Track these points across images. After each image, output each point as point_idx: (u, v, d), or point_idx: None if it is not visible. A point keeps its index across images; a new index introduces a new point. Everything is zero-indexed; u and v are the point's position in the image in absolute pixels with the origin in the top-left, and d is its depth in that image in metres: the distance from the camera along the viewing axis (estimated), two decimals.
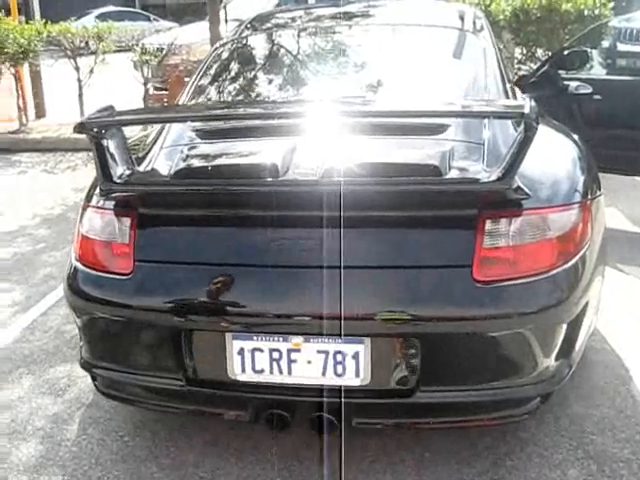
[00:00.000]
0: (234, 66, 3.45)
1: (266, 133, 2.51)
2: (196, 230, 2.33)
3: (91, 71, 8.15)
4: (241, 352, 2.24)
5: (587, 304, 2.34)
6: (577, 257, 2.26)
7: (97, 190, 2.43)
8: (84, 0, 23.35)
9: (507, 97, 2.87)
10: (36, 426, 2.80)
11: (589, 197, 2.45)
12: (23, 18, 9.16)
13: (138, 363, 2.38)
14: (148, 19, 22.94)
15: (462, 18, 3.46)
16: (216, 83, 3.27)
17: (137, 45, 8.95)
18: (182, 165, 2.41)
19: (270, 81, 3.28)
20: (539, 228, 2.20)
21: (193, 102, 3.08)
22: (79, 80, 8.13)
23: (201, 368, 2.31)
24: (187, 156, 2.51)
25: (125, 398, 2.51)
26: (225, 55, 3.49)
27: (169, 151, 2.60)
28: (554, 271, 2.18)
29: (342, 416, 2.21)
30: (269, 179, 2.20)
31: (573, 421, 2.67)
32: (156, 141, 2.73)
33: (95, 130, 2.24)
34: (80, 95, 8.13)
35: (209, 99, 3.19)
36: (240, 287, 2.21)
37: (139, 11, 25.80)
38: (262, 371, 2.24)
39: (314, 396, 2.24)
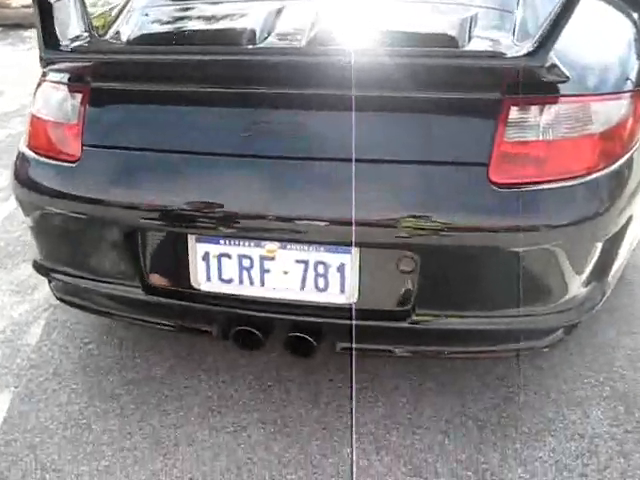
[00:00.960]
0: None
1: None
2: (157, 109, 1.93)
3: None
4: (206, 257, 1.88)
5: (631, 218, 1.90)
6: (623, 159, 1.80)
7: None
8: None
9: None
10: None
11: None
12: None
13: (92, 267, 2.04)
14: None
15: None
16: None
17: None
18: (144, 30, 1.98)
19: None
20: (578, 120, 1.74)
21: None
22: None
23: (161, 275, 1.97)
24: (152, 20, 2.08)
25: (82, 305, 2.19)
26: None
27: (135, 15, 2.16)
28: (593, 175, 1.73)
29: (325, 338, 1.88)
30: (243, 46, 1.78)
31: (602, 352, 2.28)
32: (125, 5, 2.29)
33: None
34: None
35: None
36: (206, 179, 1.82)
37: None
38: (230, 281, 1.88)
39: (290, 313, 1.89)
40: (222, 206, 1.80)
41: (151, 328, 2.19)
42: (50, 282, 2.23)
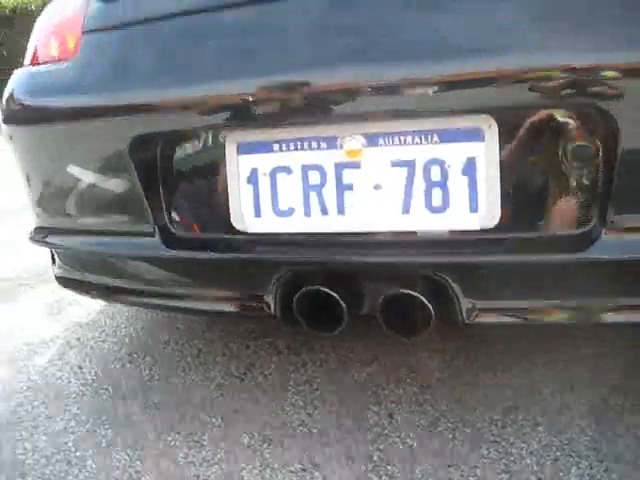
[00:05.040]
0: None
1: None
2: None
3: None
4: (253, 177, 1.19)
5: None
6: None
7: None
8: None
9: None
10: None
11: None
12: None
13: (96, 218, 1.39)
14: None
15: None
16: None
17: None
18: None
19: None
20: None
21: None
22: None
23: (188, 212, 1.28)
24: None
25: (86, 285, 1.51)
26: None
27: None
28: None
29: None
30: None
31: None
32: None
33: None
34: None
35: None
36: (245, 43, 1.16)
37: None
38: (291, 212, 1.18)
39: (387, 255, 1.14)
40: (272, 84, 1.13)
41: (173, 313, 1.50)
42: (53, 262, 1.59)
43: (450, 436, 1.27)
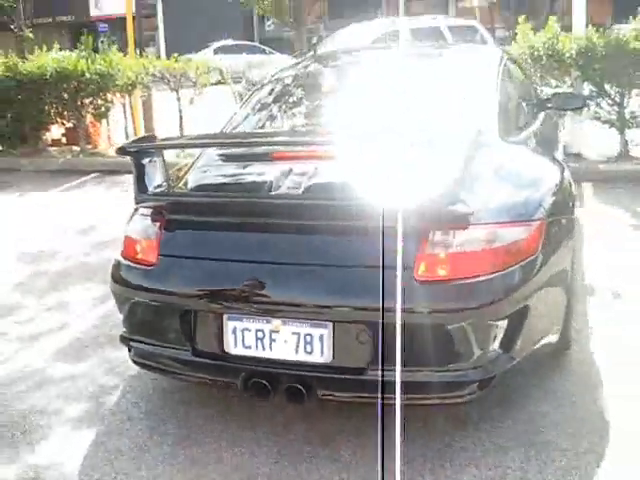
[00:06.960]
0: (270, 98, 4.06)
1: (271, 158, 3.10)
2: (205, 233, 2.93)
3: (191, 101, 9.06)
4: (234, 331, 2.79)
5: (527, 307, 2.72)
6: (515, 267, 2.67)
7: None
8: (205, 33, 25.18)
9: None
10: (89, 391, 3.46)
11: (541, 217, 2.85)
12: (138, 51, 10.19)
13: (160, 337, 2.99)
14: (264, 52, 24.21)
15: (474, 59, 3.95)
16: (255, 112, 3.92)
17: (240, 77, 9.93)
18: (201, 182, 3.05)
19: (299, 113, 3.88)
20: (482, 240, 2.64)
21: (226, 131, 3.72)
22: (180, 110, 9.07)
23: (204, 342, 2.89)
24: (208, 175, 3.15)
25: (150, 366, 3.11)
26: (267, 88, 4.14)
27: (196, 171, 3.25)
28: (489, 276, 2.60)
29: (310, 388, 2.73)
30: (264, 193, 2.81)
31: (532, 419, 3.03)
32: (193, 164, 3.38)
33: (134, 152, 2.90)
34: (180, 124, 9.05)
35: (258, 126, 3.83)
36: (235, 278, 2.78)
37: (255, 44, 27.25)
38: (250, 347, 2.78)
39: (290, 369, 2.75)
40: (245, 296, 2.74)
41: (197, 383, 3.10)
42: (130, 351, 3.17)
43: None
